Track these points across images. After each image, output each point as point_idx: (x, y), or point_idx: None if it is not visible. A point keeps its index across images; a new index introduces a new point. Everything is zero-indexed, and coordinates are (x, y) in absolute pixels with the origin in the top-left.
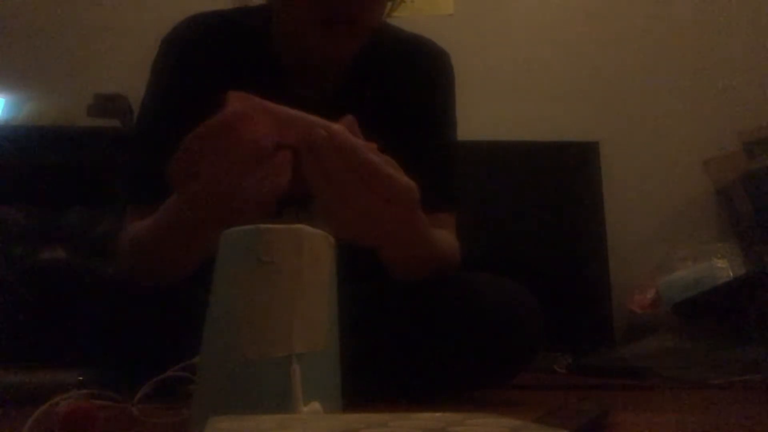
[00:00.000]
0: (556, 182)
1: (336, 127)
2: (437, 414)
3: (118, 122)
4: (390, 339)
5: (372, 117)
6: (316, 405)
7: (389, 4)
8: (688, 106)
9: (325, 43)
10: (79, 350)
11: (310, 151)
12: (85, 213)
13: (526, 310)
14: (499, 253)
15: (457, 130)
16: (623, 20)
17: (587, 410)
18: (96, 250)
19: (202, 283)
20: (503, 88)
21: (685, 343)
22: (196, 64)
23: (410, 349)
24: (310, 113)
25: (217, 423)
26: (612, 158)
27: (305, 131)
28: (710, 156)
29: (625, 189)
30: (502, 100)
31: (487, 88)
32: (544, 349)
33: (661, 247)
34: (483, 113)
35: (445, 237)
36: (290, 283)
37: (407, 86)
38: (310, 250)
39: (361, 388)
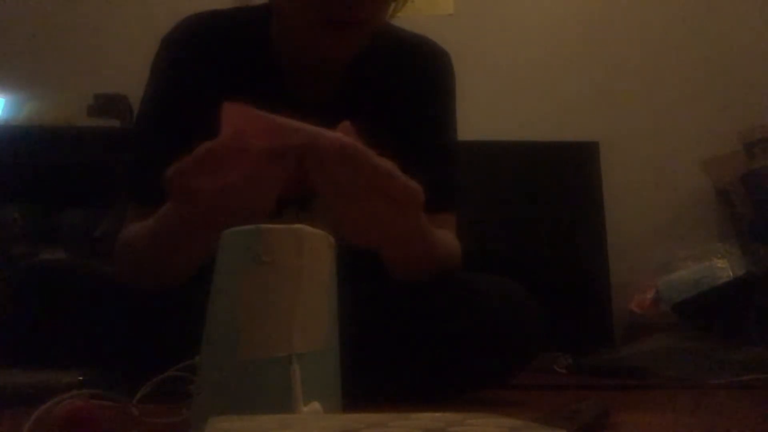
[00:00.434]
0: (556, 182)
1: (345, 139)
2: (437, 414)
3: (118, 122)
4: (390, 339)
5: (372, 117)
6: (316, 405)
7: (393, 4)
8: (688, 106)
9: (328, 44)
10: (79, 350)
11: (318, 163)
12: (85, 213)
13: (526, 310)
14: (499, 253)
15: (457, 130)
16: (623, 20)
17: (587, 410)
18: (96, 250)
19: (202, 283)
20: (503, 88)
21: (685, 343)
22: (195, 64)
23: (410, 349)
24: (309, 113)
25: (217, 423)
26: (612, 158)
27: (310, 142)
28: (710, 156)
29: (625, 189)
30: (502, 100)
31: (487, 88)
32: (544, 349)
33: (661, 247)
34: (483, 113)
35: (445, 237)
36: (290, 283)
37: (407, 87)
38: (310, 250)
39: (361, 388)
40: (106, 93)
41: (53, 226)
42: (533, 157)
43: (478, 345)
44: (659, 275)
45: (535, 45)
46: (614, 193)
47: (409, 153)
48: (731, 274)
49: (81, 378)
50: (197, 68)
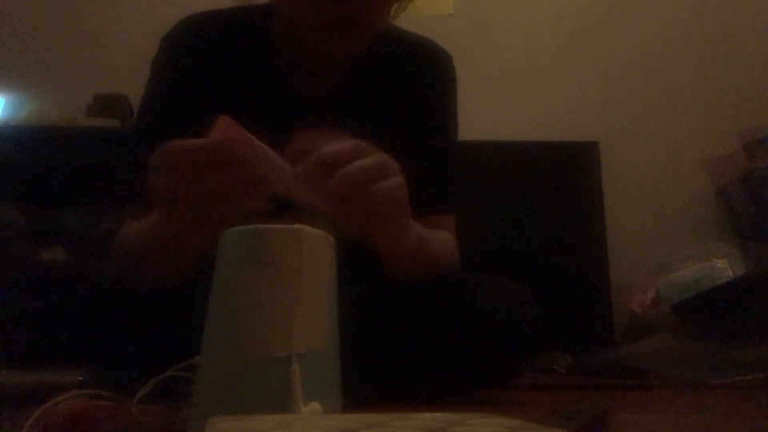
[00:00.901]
0: (556, 182)
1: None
2: (437, 414)
3: (118, 122)
4: (390, 339)
5: (372, 118)
6: (316, 405)
7: (395, 5)
8: (688, 106)
9: (331, 44)
10: (79, 350)
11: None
12: (85, 213)
13: (526, 310)
14: (499, 253)
15: (458, 131)
16: (623, 20)
17: (587, 410)
18: (96, 250)
19: (202, 283)
20: (503, 88)
21: (685, 343)
22: (196, 63)
23: (410, 349)
24: (309, 113)
25: (217, 423)
26: (612, 158)
27: (285, 190)
28: (710, 156)
29: (625, 189)
30: (502, 100)
31: (487, 88)
32: (544, 349)
33: (661, 247)
34: (483, 113)
35: (442, 237)
36: (290, 283)
37: (408, 88)
38: (310, 250)
39: (361, 388)
40: (106, 93)
41: (53, 226)
42: (533, 157)
43: (479, 345)
44: (659, 275)
45: (535, 45)
46: (614, 193)
47: (408, 154)
48: (731, 274)
49: (81, 378)
50: (197, 68)
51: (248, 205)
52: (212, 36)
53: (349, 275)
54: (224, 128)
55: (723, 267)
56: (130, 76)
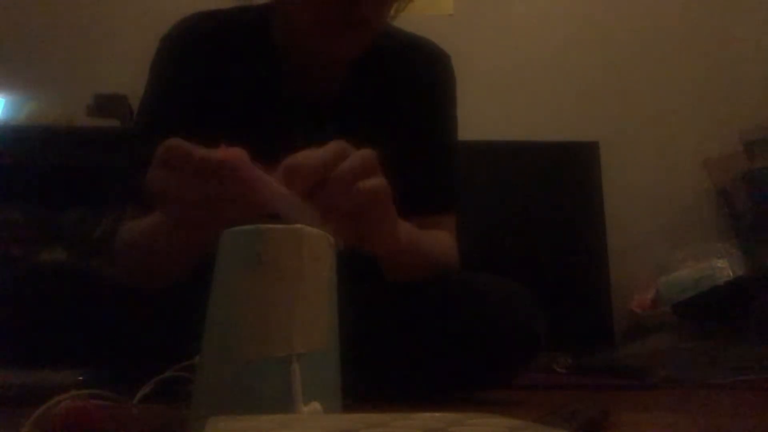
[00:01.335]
0: (556, 182)
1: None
2: (437, 414)
3: (118, 122)
4: (390, 339)
5: (372, 118)
6: (316, 405)
7: (395, 5)
8: (688, 106)
9: (330, 45)
10: (79, 350)
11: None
12: (85, 213)
13: (526, 310)
14: (499, 253)
15: (457, 131)
16: (623, 20)
17: (587, 410)
18: (96, 251)
19: (202, 283)
20: (503, 88)
21: (685, 343)
22: (195, 63)
23: (410, 349)
24: (309, 113)
25: (217, 423)
26: (612, 158)
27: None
28: (710, 156)
29: (625, 189)
30: (502, 100)
31: (487, 88)
32: (544, 349)
33: (661, 247)
34: (483, 113)
35: (437, 236)
36: (290, 283)
37: (407, 88)
38: (310, 250)
39: (361, 388)
40: (106, 93)
41: (53, 226)
42: (533, 157)
43: (478, 345)
44: (659, 275)
45: (535, 45)
46: (614, 193)
47: (408, 154)
48: (731, 274)
49: (81, 378)
50: (196, 68)
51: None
52: (212, 36)
53: (349, 275)
54: (230, 153)
55: (723, 267)
56: (130, 76)
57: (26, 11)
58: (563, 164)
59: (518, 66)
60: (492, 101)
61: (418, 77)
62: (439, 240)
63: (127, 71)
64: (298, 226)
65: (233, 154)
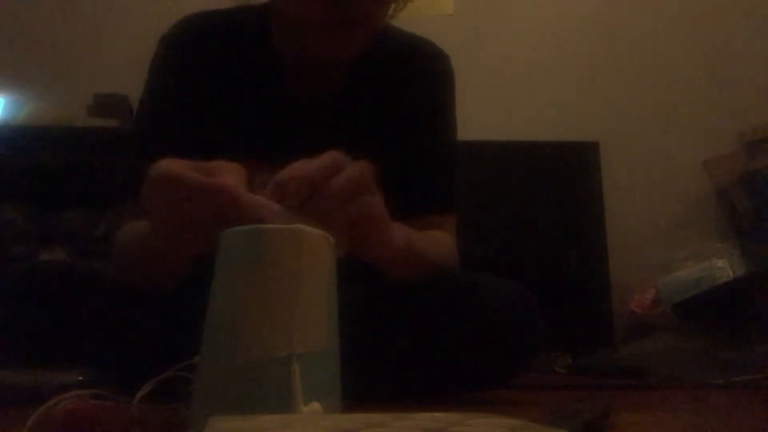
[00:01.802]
0: (556, 182)
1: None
2: (437, 414)
3: (118, 122)
4: (390, 339)
5: (371, 118)
6: (316, 405)
7: (393, 6)
8: (688, 106)
9: (328, 44)
10: (79, 350)
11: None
12: (85, 213)
13: (526, 310)
14: (499, 253)
15: (457, 131)
16: (623, 20)
17: (587, 410)
18: (96, 251)
19: (202, 283)
20: (503, 88)
21: (685, 343)
22: (194, 63)
23: (410, 349)
24: (309, 113)
25: (217, 423)
26: (612, 158)
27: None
28: (710, 156)
29: (625, 189)
30: (502, 100)
31: (487, 88)
32: (544, 349)
33: (661, 247)
34: (483, 113)
35: (435, 237)
36: (290, 283)
37: (406, 88)
38: (310, 250)
39: (361, 388)
40: (106, 93)
41: (53, 226)
42: (533, 157)
43: (478, 345)
44: (659, 275)
45: (535, 45)
46: (614, 193)
47: (408, 154)
48: (731, 274)
49: (81, 378)
50: (196, 68)
51: None
52: (211, 36)
53: (349, 275)
54: (225, 178)
55: (723, 267)
56: (130, 76)
57: (26, 11)
58: (563, 164)
59: (518, 66)
60: (492, 101)
61: (416, 77)
62: (437, 241)
63: (127, 71)
64: (298, 226)
65: (227, 179)
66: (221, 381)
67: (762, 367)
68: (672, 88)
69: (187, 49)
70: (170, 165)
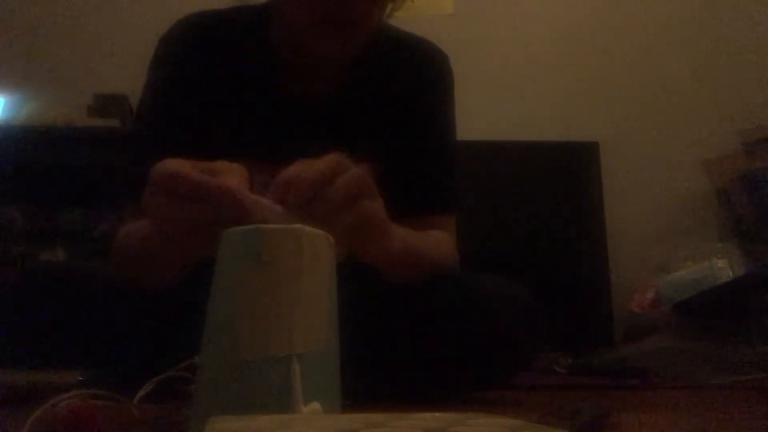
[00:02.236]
0: (556, 182)
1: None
2: (437, 414)
3: (118, 122)
4: (390, 339)
5: (370, 118)
6: (316, 405)
7: (390, 5)
8: (688, 106)
9: (326, 44)
10: (79, 350)
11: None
12: (85, 213)
13: (526, 310)
14: (499, 253)
15: (457, 131)
16: (623, 20)
17: (587, 410)
18: (96, 250)
19: (201, 283)
20: (503, 88)
21: (685, 343)
22: (194, 63)
23: (410, 349)
24: (308, 113)
25: (217, 423)
26: (612, 158)
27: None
28: (710, 156)
29: (625, 189)
30: (502, 100)
31: (487, 88)
32: (544, 349)
33: (661, 247)
34: (483, 113)
35: (434, 237)
36: (290, 283)
37: (405, 87)
38: (310, 250)
39: (361, 388)
40: (106, 93)
41: (53, 226)
42: (533, 157)
43: (479, 345)
44: (659, 275)
45: (535, 45)
46: (614, 193)
47: (407, 154)
48: (731, 274)
49: (81, 378)
50: (195, 68)
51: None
52: (210, 36)
53: (350, 275)
54: (228, 179)
55: (723, 267)
56: (130, 76)
57: (26, 11)
58: (563, 164)
59: (518, 66)
60: (492, 101)
61: (415, 77)
62: (437, 241)
63: (127, 71)
64: (298, 226)
65: (230, 180)
66: (221, 381)
67: (762, 367)
68: (672, 88)
69: (186, 49)
70: (173, 165)
